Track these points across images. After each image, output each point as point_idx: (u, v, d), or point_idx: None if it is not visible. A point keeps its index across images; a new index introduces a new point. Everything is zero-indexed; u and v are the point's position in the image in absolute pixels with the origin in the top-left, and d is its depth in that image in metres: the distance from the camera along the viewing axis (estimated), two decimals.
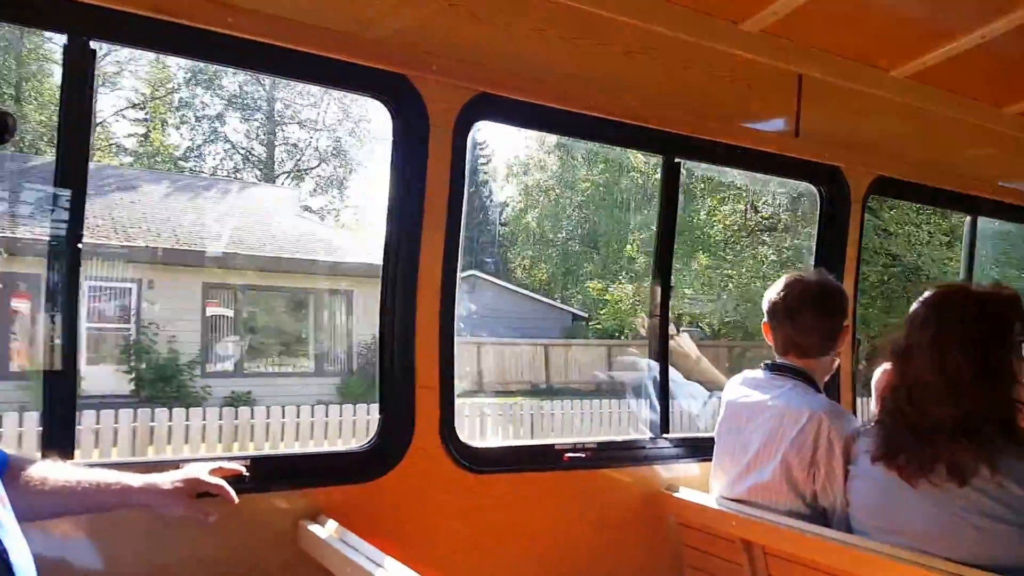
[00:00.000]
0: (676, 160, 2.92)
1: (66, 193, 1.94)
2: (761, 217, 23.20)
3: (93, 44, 1.94)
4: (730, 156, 3.04)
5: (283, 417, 11.50)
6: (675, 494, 2.72)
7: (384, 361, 2.41)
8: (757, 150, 3.03)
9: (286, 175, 32.78)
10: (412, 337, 2.36)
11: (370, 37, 2.19)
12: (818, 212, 3.36)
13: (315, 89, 27.49)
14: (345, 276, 16.64)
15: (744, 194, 23.62)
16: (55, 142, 1.99)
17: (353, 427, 11.98)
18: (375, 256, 17.99)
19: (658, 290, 2.97)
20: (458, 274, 2.46)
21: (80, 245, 1.95)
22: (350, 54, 2.20)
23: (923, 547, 1.97)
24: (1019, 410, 2.02)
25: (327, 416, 11.85)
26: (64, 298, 1.95)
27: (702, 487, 2.74)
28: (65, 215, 1.94)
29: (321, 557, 2.03)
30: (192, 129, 30.20)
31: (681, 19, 2.63)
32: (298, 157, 32.81)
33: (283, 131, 32.58)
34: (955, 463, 1.95)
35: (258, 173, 31.45)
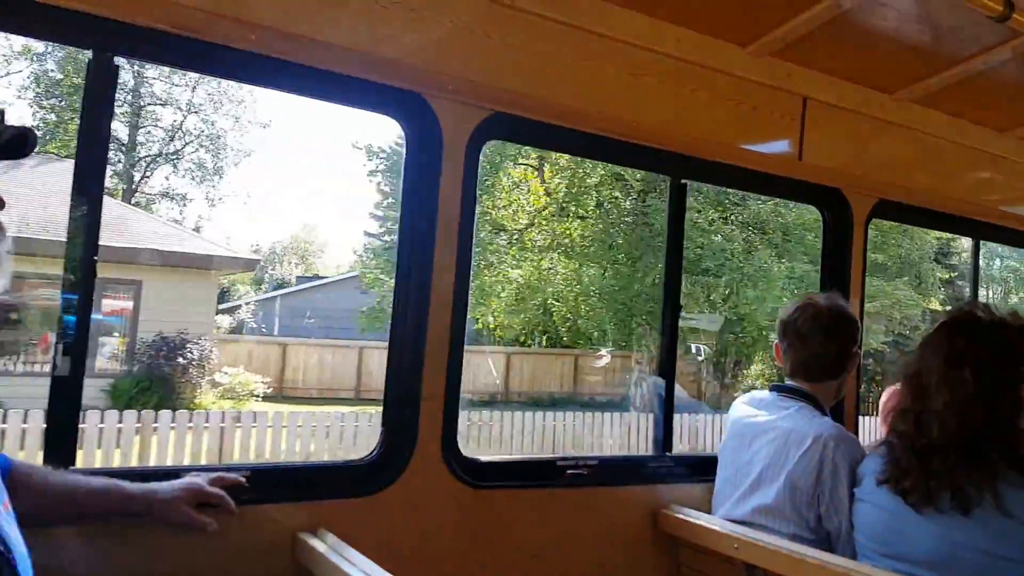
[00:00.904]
0: (682, 181, 2.95)
1: (83, 202, 1.96)
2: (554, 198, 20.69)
3: (117, 60, 1.98)
4: (734, 177, 3.08)
5: (25, 423, 9.83)
6: (676, 514, 2.71)
7: (391, 374, 2.41)
8: (761, 172, 3.06)
9: (150, 159, 31.09)
10: (423, 351, 2.37)
11: (387, 56, 2.21)
12: (822, 234, 3.39)
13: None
14: (134, 264, 15.31)
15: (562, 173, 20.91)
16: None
17: (118, 437, 10.23)
18: (175, 244, 16.51)
19: (667, 309, 2.98)
20: (470, 289, 2.47)
21: (96, 256, 1.98)
22: (367, 73, 2.24)
23: (927, 575, 1.96)
24: None
25: (84, 423, 9.55)
26: (77, 305, 1.96)
27: (704, 507, 2.73)
28: (82, 223, 1.96)
29: (318, 570, 2.02)
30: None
31: (689, 43, 2.66)
32: (166, 140, 30.99)
33: (151, 112, 30.67)
34: (959, 491, 1.95)
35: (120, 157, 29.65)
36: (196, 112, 31.38)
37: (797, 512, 2.36)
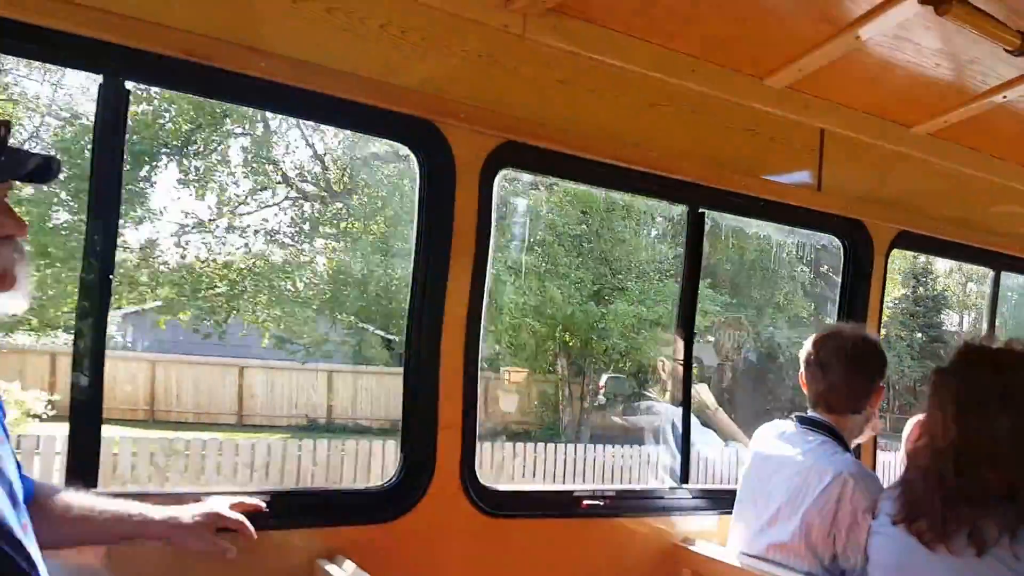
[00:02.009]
0: (700, 211, 2.95)
1: (99, 224, 1.98)
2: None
3: (128, 84, 1.99)
4: (753, 208, 3.06)
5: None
6: (691, 547, 2.68)
7: (407, 400, 2.42)
8: (780, 202, 3.05)
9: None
10: (436, 378, 2.37)
11: (399, 84, 2.24)
12: (842, 264, 3.37)
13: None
14: None
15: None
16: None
17: None
18: None
19: (682, 338, 2.97)
20: (483, 315, 2.46)
21: (111, 276, 1.99)
22: (379, 100, 2.25)
23: None
24: None
25: None
26: (92, 329, 1.98)
27: (721, 540, 2.70)
28: (98, 246, 1.98)
29: None
30: None
31: (706, 74, 2.68)
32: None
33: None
34: (977, 530, 1.91)
35: None
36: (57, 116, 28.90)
37: (812, 551, 2.32)
